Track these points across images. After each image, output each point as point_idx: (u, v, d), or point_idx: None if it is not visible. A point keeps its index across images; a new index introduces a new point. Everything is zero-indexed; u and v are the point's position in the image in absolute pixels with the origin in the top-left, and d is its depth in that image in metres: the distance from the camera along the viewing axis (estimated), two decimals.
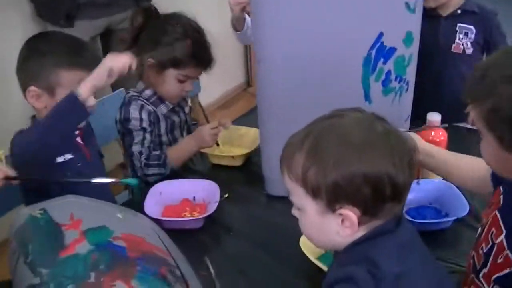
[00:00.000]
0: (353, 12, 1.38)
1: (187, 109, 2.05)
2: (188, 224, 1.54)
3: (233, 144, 1.96)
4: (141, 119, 1.83)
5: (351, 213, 0.93)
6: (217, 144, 1.90)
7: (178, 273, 1.20)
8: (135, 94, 1.88)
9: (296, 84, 1.42)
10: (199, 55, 1.82)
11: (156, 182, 1.73)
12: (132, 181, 1.36)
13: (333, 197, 0.93)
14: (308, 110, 1.45)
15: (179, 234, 1.46)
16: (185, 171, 1.87)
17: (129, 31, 1.85)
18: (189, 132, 2.05)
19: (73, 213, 1.26)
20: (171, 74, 1.83)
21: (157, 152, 1.84)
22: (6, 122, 1.64)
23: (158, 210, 1.60)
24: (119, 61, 1.45)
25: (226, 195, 1.68)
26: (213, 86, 2.57)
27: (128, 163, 1.97)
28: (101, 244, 1.16)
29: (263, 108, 1.51)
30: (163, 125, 1.91)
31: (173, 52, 1.79)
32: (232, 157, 1.86)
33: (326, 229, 0.98)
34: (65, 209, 1.30)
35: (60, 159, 1.59)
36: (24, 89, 1.56)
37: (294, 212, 1.04)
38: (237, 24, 2.06)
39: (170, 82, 1.85)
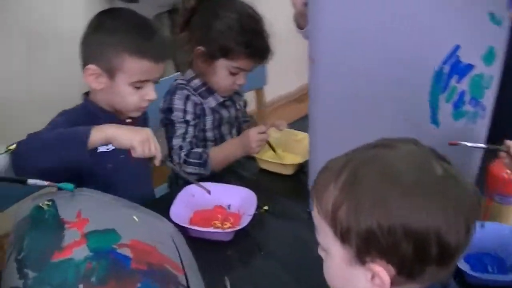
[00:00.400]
0: (425, 18, 1.16)
1: (240, 104, 1.88)
2: (215, 236, 1.38)
3: (287, 149, 1.79)
4: (185, 111, 1.68)
5: (383, 271, 0.74)
6: (273, 149, 1.72)
7: None
8: (182, 82, 1.74)
9: (352, 91, 1.22)
10: (253, 45, 1.65)
11: None
12: (67, 185, 1.19)
13: (364, 246, 0.76)
14: (363, 123, 1.27)
15: (203, 244, 1.34)
16: (227, 172, 1.71)
17: (181, 13, 1.70)
18: (239, 130, 1.88)
19: (81, 210, 1.13)
20: (222, 65, 1.68)
21: (199, 150, 1.69)
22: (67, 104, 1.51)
23: (186, 214, 1.45)
24: (143, 146, 1.31)
25: (266, 208, 1.50)
26: (280, 81, 2.36)
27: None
28: (102, 251, 1.02)
29: (314, 114, 1.31)
30: (209, 119, 1.76)
31: (224, 40, 1.64)
32: (283, 164, 1.67)
33: (352, 281, 0.80)
34: (75, 204, 1.17)
35: (102, 148, 1.46)
36: (84, 65, 1.45)
37: (320, 252, 0.85)
38: (301, 20, 1.87)
39: (221, 73, 1.69)
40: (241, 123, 1.92)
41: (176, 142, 1.69)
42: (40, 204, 1.13)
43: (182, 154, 1.66)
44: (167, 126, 1.73)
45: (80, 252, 1.00)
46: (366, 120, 1.23)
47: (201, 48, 1.67)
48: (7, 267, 0.99)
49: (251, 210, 1.41)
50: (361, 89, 1.21)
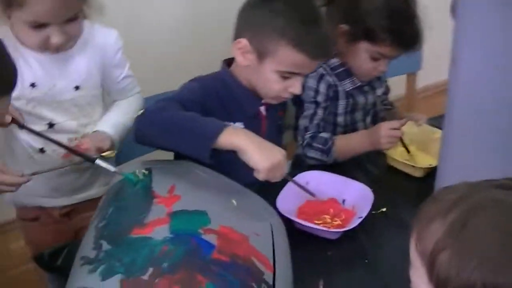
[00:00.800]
0: None
1: (379, 91, 1.72)
2: (320, 233, 1.26)
3: (422, 148, 1.61)
4: (316, 91, 1.57)
5: None
6: (405, 148, 1.56)
7: None
8: None
9: (495, 98, 1.02)
10: (400, 32, 1.48)
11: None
12: (130, 176, 1.08)
13: None
14: (503, 136, 1.07)
15: (305, 239, 1.26)
16: (352, 163, 1.57)
17: None
18: (375, 118, 1.72)
19: (176, 185, 1.08)
20: (364, 48, 1.54)
21: (325, 136, 1.56)
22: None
23: (296, 202, 1.35)
24: (269, 173, 1.18)
25: (383, 210, 1.35)
26: (437, 66, 2.13)
27: None
28: (184, 234, 0.97)
29: (451, 116, 1.13)
30: (342, 103, 1.63)
31: (369, 22, 1.49)
32: (412, 166, 1.51)
33: None
34: (172, 177, 1.13)
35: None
36: (235, 36, 1.39)
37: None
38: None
39: (362, 57, 1.56)
40: (378, 111, 1.76)
41: (303, 122, 1.59)
42: (137, 171, 1.10)
43: (307, 136, 1.56)
44: (296, 104, 1.63)
45: (160, 232, 0.94)
46: (506, 135, 1.04)
47: (344, 27, 1.54)
48: (87, 233, 0.97)
49: (365, 210, 1.28)
50: (503, 97, 1.01)
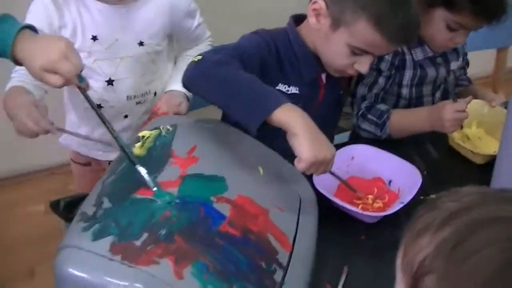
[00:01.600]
0: None
1: (454, 65, 1.56)
2: (357, 215, 1.16)
3: (490, 132, 1.45)
4: (380, 57, 1.43)
5: None
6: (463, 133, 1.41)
7: (277, 279, 0.87)
8: None
9: None
10: (481, 1, 1.32)
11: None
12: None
13: None
14: None
15: (339, 219, 1.17)
16: (409, 139, 1.43)
17: None
18: (445, 94, 1.57)
19: (197, 146, 1.01)
20: (441, 15, 1.38)
21: (383, 108, 1.44)
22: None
23: (336, 179, 1.24)
24: (312, 167, 1.04)
25: (433, 196, 1.22)
26: None
27: None
28: (192, 201, 0.90)
29: None
30: (409, 73, 1.48)
31: None
32: (472, 152, 1.36)
33: None
34: (196, 136, 1.07)
35: (281, 87, 1.31)
36: None
37: None
38: None
39: (437, 25, 1.40)
40: (450, 87, 1.60)
41: (361, 90, 1.47)
42: (161, 127, 1.04)
43: (363, 106, 1.45)
44: None
45: (167, 195, 0.88)
46: None
47: None
48: (94, 187, 0.92)
49: (409, 196, 1.16)
50: None
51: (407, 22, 1.20)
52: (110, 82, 1.36)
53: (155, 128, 1.04)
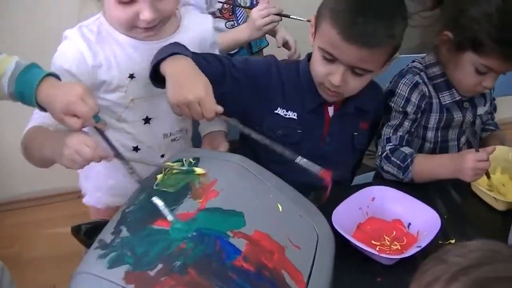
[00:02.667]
0: None
1: (481, 109, 1.55)
2: (374, 256, 1.16)
3: None
4: (407, 100, 1.45)
5: None
6: (487, 176, 1.40)
7: None
8: (418, 66, 1.50)
9: None
10: (510, 43, 1.31)
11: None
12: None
13: None
14: None
15: (355, 259, 1.17)
16: (432, 183, 1.42)
17: None
18: (471, 139, 1.56)
19: (218, 180, 1.02)
20: (469, 59, 1.38)
21: (407, 151, 1.42)
22: None
23: (356, 219, 1.25)
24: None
25: (453, 241, 1.22)
26: None
27: None
28: (209, 234, 0.92)
29: None
30: (435, 117, 1.49)
31: (476, 31, 1.33)
32: (495, 198, 1.34)
33: None
34: (218, 170, 1.07)
35: (279, 111, 1.36)
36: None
37: None
38: None
39: (466, 69, 1.40)
40: (477, 132, 1.59)
41: (386, 131, 1.47)
42: (184, 160, 1.06)
43: (387, 147, 1.44)
44: (384, 110, 1.51)
45: (184, 227, 0.90)
46: None
47: (448, 34, 1.39)
48: (114, 216, 0.94)
49: (427, 239, 1.15)
50: None
51: (366, 21, 1.21)
52: (147, 120, 1.34)
53: (178, 160, 1.07)
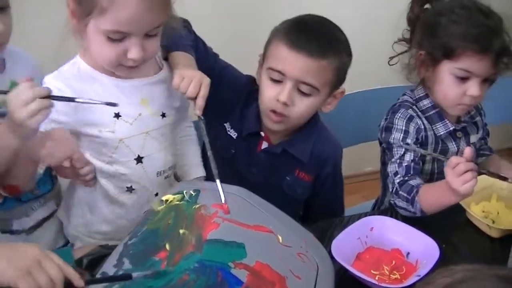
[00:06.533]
0: None
1: (474, 137, 1.57)
2: (374, 286, 1.16)
3: (509, 205, 1.44)
4: (406, 132, 1.47)
5: None
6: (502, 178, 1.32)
7: None
8: (409, 100, 1.52)
9: None
10: (483, 40, 1.34)
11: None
12: None
13: None
14: None
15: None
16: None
17: (408, 23, 1.51)
18: None
19: (218, 211, 1.04)
20: (446, 68, 1.41)
21: (413, 183, 1.40)
22: None
23: (355, 248, 1.26)
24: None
25: None
26: None
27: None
28: (210, 266, 0.93)
29: None
30: (430, 149, 1.50)
31: (447, 37, 1.38)
32: (488, 226, 1.35)
33: None
34: (218, 202, 1.08)
35: (226, 125, 1.46)
36: None
37: None
38: None
39: (446, 80, 1.42)
40: (472, 160, 1.59)
41: (392, 168, 1.45)
42: (184, 192, 1.08)
43: (396, 182, 1.42)
44: (384, 151, 1.52)
45: (185, 260, 0.91)
46: None
47: (422, 53, 1.44)
48: (116, 248, 0.95)
49: (426, 269, 1.16)
50: None
51: (312, 33, 1.31)
52: (139, 159, 1.32)
53: (179, 193, 1.08)
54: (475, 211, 1.39)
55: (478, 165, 1.57)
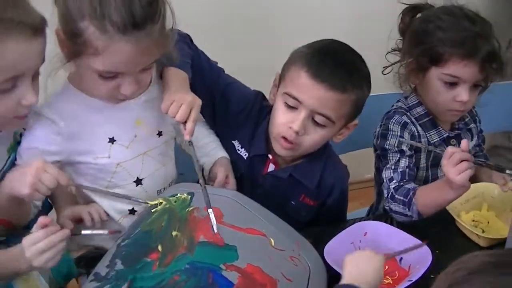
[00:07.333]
0: None
1: (470, 144, 1.56)
2: None
3: (501, 215, 1.44)
4: (401, 137, 1.47)
5: None
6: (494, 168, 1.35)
7: None
8: (403, 107, 1.53)
9: None
10: (468, 44, 1.35)
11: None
12: None
13: None
14: None
15: None
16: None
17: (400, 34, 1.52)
18: None
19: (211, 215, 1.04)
20: (434, 75, 1.42)
21: (409, 186, 1.40)
22: None
23: (349, 253, 1.26)
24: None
25: None
26: None
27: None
28: (201, 267, 0.93)
29: None
30: (423, 156, 1.52)
31: (432, 43, 1.39)
32: (477, 235, 1.35)
33: None
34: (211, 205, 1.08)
35: (235, 143, 1.45)
36: None
37: None
38: None
39: (435, 86, 1.43)
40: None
41: (387, 173, 1.46)
42: (178, 194, 1.09)
43: (391, 187, 1.43)
44: (379, 157, 1.53)
45: (176, 261, 0.92)
46: None
47: (412, 61, 1.45)
48: (109, 249, 0.96)
49: (418, 274, 1.17)
50: None
51: (335, 64, 1.28)
52: (139, 181, 1.28)
53: (173, 195, 1.09)
54: (466, 220, 1.40)
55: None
